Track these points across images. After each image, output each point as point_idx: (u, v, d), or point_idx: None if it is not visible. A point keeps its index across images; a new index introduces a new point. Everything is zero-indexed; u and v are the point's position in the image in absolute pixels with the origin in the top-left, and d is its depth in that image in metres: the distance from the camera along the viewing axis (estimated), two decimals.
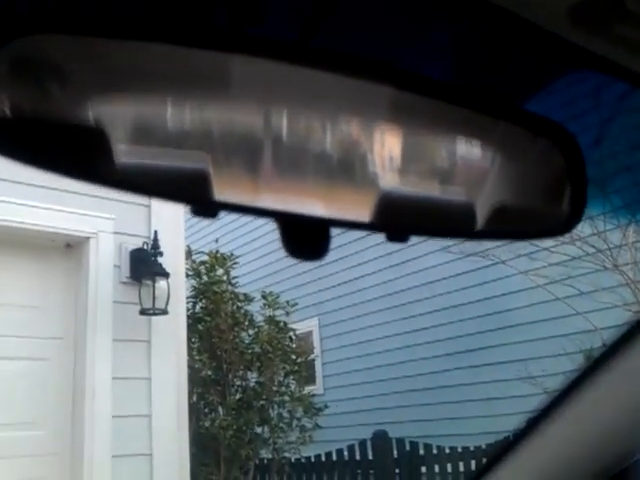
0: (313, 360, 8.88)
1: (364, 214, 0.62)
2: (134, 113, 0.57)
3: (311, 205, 0.61)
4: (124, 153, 0.55)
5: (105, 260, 4.44)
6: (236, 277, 7.38)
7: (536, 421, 0.84)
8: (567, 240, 5.35)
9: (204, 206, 0.59)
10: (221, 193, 0.57)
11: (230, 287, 7.22)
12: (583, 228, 5.24)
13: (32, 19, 0.52)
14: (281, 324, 7.32)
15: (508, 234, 0.76)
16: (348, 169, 0.63)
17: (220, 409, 6.87)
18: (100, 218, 4.39)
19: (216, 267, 7.17)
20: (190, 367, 5.62)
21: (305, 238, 0.59)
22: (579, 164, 0.66)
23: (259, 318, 7.38)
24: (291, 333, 7.43)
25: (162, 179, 0.57)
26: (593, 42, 0.61)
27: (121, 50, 0.55)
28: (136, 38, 0.54)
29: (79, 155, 0.55)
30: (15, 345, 4.19)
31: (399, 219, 0.63)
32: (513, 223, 0.69)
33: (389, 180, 0.63)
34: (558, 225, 0.69)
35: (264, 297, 7.42)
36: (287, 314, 7.44)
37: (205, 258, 7.25)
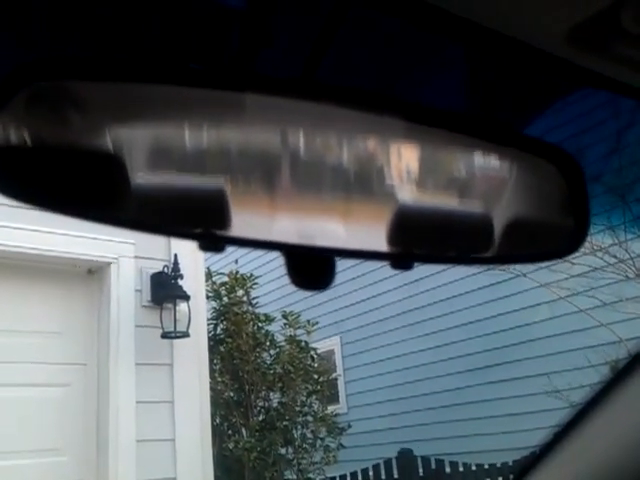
0: (336, 379, 8.85)
1: (371, 240, 0.63)
2: (150, 148, 0.58)
3: (319, 229, 0.62)
4: (139, 186, 0.56)
5: (126, 285, 4.46)
6: (256, 297, 7.38)
7: (562, 435, 0.83)
8: (588, 251, 5.31)
9: (213, 241, 0.60)
10: (237, 213, 0.58)
11: (250, 308, 7.23)
12: (604, 238, 5.20)
13: (57, 66, 0.53)
14: (302, 343, 7.30)
15: (514, 258, 0.76)
16: (357, 192, 0.64)
17: (243, 431, 6.85)
18: (121, 243, 4.42)
19: (236, 288, 7.19)
20: (212, 389, 5.62)
21: (310, 269, 0.60)
22: (581, 185, 0.67)
23: (280, 338, 7.37)
24: (312, 352, 7.40)
25: (175, 215, 0.58)
26: (593, 61, 0.62)
27: (140, 91, 0.56)
28: (155, 82, 0.56)
29: (97, 195, 0.56)
30: (38, 372, 4.22)
31: (405, 246, 0.64)
32: (520, 246, 0.70)
33: (397, 204, 0.63)
34: (564, 246, 0.70)
35: (285, 317, 7.42)
36: (308, 333, 7.43)
37: (225, 279, 7.27)
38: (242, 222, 0.59)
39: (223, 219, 0.57)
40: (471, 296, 7.91)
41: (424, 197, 0.65)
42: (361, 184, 0.63)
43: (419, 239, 0.65)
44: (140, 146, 0.57)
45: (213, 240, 0.60)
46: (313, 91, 0.60)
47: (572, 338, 6.76)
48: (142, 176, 0.56)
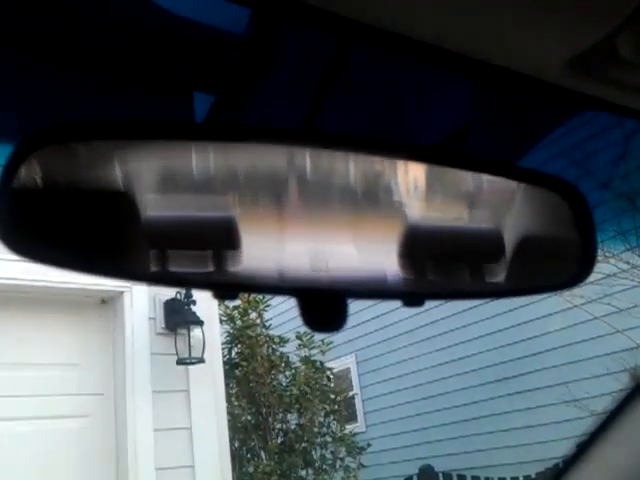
0: (353, 397, 8.81)
1: (382, 268, 0.64)
2: (157, 200, 0.60)
3: (330, 257, 0.63)
4: (149, 236, 0.57)
5: (140, 313, 4.47)
6: (269, 319, 7.38)
7: (586, 445, 0.82)
8: (600, 258, 5.28)
9: (226, 290, 0.61)
10: (248, 252, 0.59)
11: (264, 330, 7.23)
12: (615, 244, 5.17)
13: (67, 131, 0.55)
14: (317, 364, 7.28)
15: (525, 290, 0.77)
16: (365, 227, 0.65)
17: (262, 454, 6.81)
18: None
19: (249, 311, 7.19)
20: (230, 413, 5.61)
21: (323, 312, 0.61)
22: (586, 215, 0.68)
23: (295, 359, 7.35)
24: (328, 372, 7.38)
25: (187, 262, 0.59)
26: (593, 88, 0.64)
27: (145, 146, 0.58)
28: (160, 138, 0.57)
29: (109, 250, 0.58)
30: (56, 404, 4.22)
31: (417, 275, 0.65)
32: (530, 277, 0.70)
33: (406, 234, 0.64)
34: (572, 275, 0.70)
35: (299, 338, 7.41)
36: (323, 353, 7.41)
37: (237, 303, 7.27)
38: (254, 261, 0.60)
39: (235, 258, 0.58)
40: (485, 308, 7.87)
41: (432, 226, 0.66)
42: (368, 208, 0.65)
43: (430, 268, 0.65)
44: (148, 185, 0.59)
45: (227, 288, 0.61)
46: (315, 139, 0.62)
47: (589, 346, 6.71)
48: (152, 227, 0.57)
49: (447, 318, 8.36)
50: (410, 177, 0.65)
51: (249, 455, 6.89)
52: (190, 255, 0.58)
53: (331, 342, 7.63)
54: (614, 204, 4.43)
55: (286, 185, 0.61)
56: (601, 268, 5.61)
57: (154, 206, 0.58)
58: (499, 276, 0.66)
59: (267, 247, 0.61)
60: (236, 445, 6.56)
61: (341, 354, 9.03)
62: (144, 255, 0.57)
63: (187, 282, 0.64)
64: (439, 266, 0.66)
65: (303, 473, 6.84)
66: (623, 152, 4.70)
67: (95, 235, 0.57)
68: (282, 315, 8.67)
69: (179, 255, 0.58)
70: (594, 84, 0.63)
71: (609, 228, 3.80)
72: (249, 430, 6.84)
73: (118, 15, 1.15)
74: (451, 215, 0.67)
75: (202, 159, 0.59)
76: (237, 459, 6.19)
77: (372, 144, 0.62)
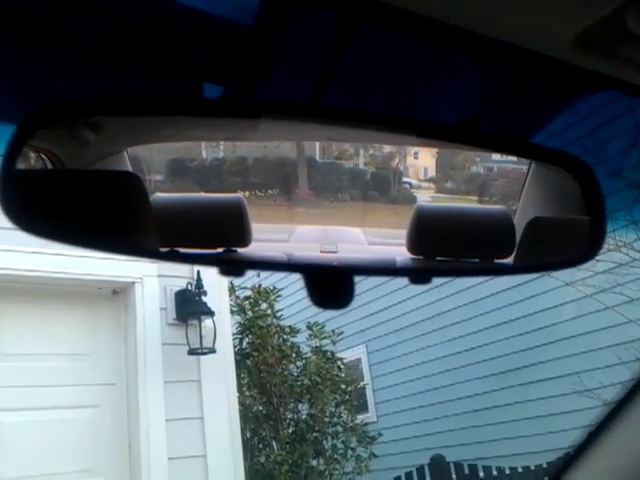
0: (363, 388, 8.82)
1: (389, 256, 0.64)
2: (168, 174, 0.60)
3: (339, 236, 0.63)
4: (159, 213, 0.57)
5: (151, 303, 4.49)
6: (280, 310, 7.39)
7: (596, 434, 0.82)
8: (612, 247, 5.25)
9: (232, 267, 0.61)
10: (257, 231, 0.58)
11: (275, 320, 7.24)
12: (628, 233, 5.14)
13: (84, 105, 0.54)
14: (328, 354, 7.30)
15: (533, 267, 0.76)
16: (375, 200, 0.65)
17: (274, 444, 6.85)
18: (144, 263, 4.46)
19: (260, 301, 7.21)
20: (241, 403, 5.63)
21: (329, 289, 0.61)
22: (597, 193, 0.67)
23: (306, 349, 7.37)
24: (339, 362, 7.40)
25: (195, 238, 0.59)
26: (602, 65, 0.63)
27: (158, 121, 0.57)
28: (173, 114, 0.57)
29: (118, 226, 0.57)
30: (69, 394, 4.25)
31: (422, 262, 0.65)
32: (538, 254, 0.70)
33: (416, 211, 0.64)
34: (582, 253, 0.70)
35: (309, 328, 7.42)
36: (333, 343, 7.42)
37: (248, 293, 7.29)
38: (262, 239, 0.60)
39: (243, 238, 0.58)
40: (496, 298, 7.85)
41: (442, 204, 0.66)
42: (378, 193, 0.65)
43: (440, 245, 0.65)
44: (158, 171, 0.59)
45: (234, 265, 0.61)
46: (323, 114, 0.61)
47: (601, 336, 6.68)
48: (161, 204, 0.57)
49: (458, 308, 8.34)
50: (420, 157, 0.65)
51: (260, 445, 6.92)
52: (198, 232, 0.58)
53: (342, 332, 7.64)
54: (626, 193, 4.39)
55: (295, 168, 0.61)
56: (613, 257, 5.57)
57: (163, 183, 0.59)
58: (507, 253, 0.66)
59: (275, 226, 0.61)
60: (247, 435, 6.60)
61: (352, 344, 9.03)
62: (153, 231, 0.57)
63: (194, 259, 0.64)
64: (447, 244, 0.66)
65: (314, 463, 6.87)
66: (635, 140, 4.66)
67: (104, 211, 0.56)
68: (293, 306, 8.69)
69: (187, 232, 0.58)
70: (603, 61, 0.62)
71: (621, 217, 3.77)
72: (260, 420, 6.87)
73: (128, 5, 1.15)
74: (460, 194, 0.68)
75: (210, 136, 0.60)
76: (248, 449, 6.22)
77: (383, 120, 0.62)
